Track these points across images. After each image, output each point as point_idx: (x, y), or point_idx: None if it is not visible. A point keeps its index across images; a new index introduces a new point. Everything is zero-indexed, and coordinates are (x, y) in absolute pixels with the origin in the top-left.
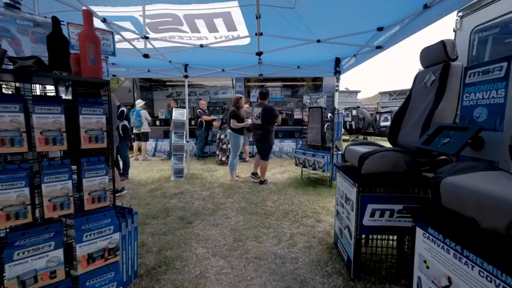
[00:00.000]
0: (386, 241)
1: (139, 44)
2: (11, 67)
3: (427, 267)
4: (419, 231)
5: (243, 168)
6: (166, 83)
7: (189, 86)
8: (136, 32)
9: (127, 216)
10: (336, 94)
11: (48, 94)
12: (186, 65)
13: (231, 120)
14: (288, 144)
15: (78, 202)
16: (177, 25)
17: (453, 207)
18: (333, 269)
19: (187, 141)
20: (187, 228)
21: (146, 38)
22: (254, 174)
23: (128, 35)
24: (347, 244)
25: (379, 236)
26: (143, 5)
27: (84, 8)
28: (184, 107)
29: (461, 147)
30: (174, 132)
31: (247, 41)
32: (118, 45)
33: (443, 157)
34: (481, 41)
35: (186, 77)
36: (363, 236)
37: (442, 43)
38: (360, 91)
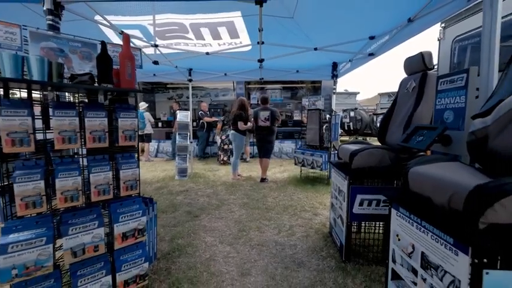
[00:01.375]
0: (373, 227)
1: (147, 50)
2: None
3: (399, 240)
4: (393, 212)
5: (244, 168)
6: (168, 86)
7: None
8: (144, 39)
9: (149, 205)
10: (333, 97)
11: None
12: (190, 70)
13: (239, 122)
14: (288, 145)
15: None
16: (183, 33)
17: (417, 190)
18: (327, 253)
19: (191, 142)
20: (194, 221)
21: (156, 46)
22: (262, 179)
23: (135, 42)
24: (340, 231)
25: (367, 225)
26: (153, 14)
27: (124, 31)
28: (187, 109)
29: (429, 144)
30: (178, 134)
31: (249, 47)
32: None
33: (422, 153)
34: (462, 49)
35: (190, 80)
36: (354, 223)
37: (421, 54)
38: (358, 92)
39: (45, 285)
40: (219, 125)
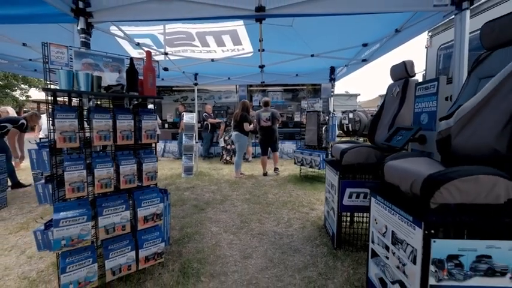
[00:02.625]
0: (361, 217)
1: (157, 58)
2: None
3: (376, 223)
4: (372, 200)
5: (246, 167)
6: (173, 88)
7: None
8: (155, 47)
9: (164, 195)
10: (331, 99)
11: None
12: (196, 74)
13: (244, 124)
14: (289, 146)
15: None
16: (190, 40)
17: (389, 181)
18: (321, 242)
19: (197, 142)
20: (201, 214)
21: (166, 54)
22: (275, 169)
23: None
24: (332, 222)
25: (357, 216)
26: (164, 24)
27: (147, 49)
28: (192, 111)
29: (405, 143)
30: (185, 134)
31: (250, 54)
32: (142, 57)
33: (404, 151)
34: (446, 56)
35: (195, 84)
36: (345, 214)
37: (404, 63)
38: (359, 94)
39: (84, 255)
40: (222, 126)
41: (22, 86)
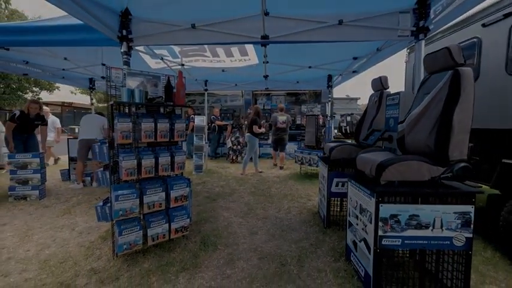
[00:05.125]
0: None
1: (174, 67)
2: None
3: (351, 200)
4: (349, 183)
5: (252, 166)
6: None
7: (203, 95)
8: (170, 57)
9: (188, 182)
10: (328, 104)
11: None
12: (206, 81)
13: (254, 126)
14: (291, 147)
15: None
16: (202, 52)
17: (359, 168)
18: (314, 223)
19: (206, 143)
20: (213, 203)
21: (182, 65)
22: (281, 167)
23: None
24: (323, 207)
25: (344, 202)
26: None
27: (179, 69)
28: (200, 114)
29: (375, 141)
30: (196, 135)
31: (256, 64)
32: (157, 66)
33: (375, 147)
34: None
35: (206, 90)
36: (333, 199)
37: (380, 78)
38: (359, 98)
39: (133, 224)
40: (229, 128)
41: (34, 88)
